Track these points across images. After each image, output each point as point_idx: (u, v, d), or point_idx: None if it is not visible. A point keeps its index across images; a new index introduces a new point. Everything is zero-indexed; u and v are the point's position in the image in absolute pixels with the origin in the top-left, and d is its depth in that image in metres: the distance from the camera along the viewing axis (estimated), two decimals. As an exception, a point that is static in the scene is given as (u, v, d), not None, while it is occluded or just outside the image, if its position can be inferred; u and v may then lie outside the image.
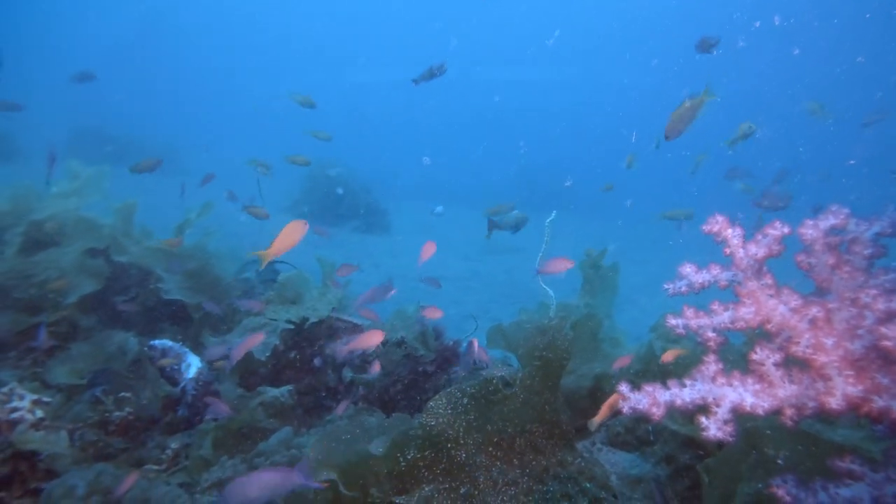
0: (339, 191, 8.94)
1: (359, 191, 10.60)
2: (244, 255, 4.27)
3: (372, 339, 2.24)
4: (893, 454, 0.96)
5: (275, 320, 3.04)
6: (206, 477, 2.09)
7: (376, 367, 2.53)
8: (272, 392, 2.59)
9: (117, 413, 2.16)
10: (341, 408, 2.56)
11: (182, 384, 2.70)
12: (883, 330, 0.93)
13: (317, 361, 2.90)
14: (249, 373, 2.88)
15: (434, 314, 2.45)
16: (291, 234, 1.89)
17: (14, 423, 1.63)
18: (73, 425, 2.03)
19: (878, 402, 0.92)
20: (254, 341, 2.42)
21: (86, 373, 2.34)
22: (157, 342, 2.75)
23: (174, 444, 2.29)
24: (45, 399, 1.78)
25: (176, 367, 2.76)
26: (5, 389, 1.71)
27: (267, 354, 2.84)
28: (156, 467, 2.17)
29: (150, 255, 3.12)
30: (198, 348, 2.95)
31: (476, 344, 2.19)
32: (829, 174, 8.43)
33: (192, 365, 2.79)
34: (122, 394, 2.21)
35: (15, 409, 1.66)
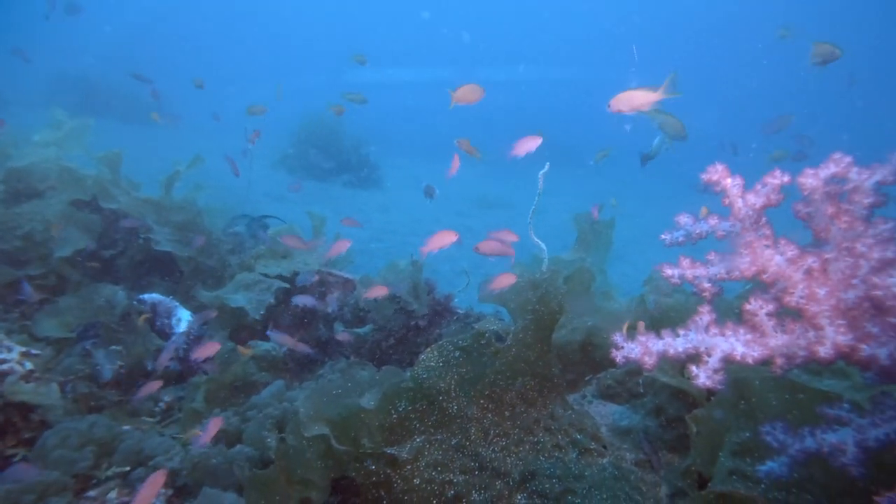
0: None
1: (349, 146, 10.43)
2: (234, 209, 4.22)
3: (446, 238, 2.13)
4: (880, 400, 0.97)
5: (266, 276, 3.02)
6: (199, 429, 2.11)
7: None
8: (264, 346, 2.59)
9: (108, 366, 2.15)
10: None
11: (173, 338, 2.69)
12: (875, 280, 0.92)
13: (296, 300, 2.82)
14: (241, 327, 2.87)
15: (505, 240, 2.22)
16: None
17: (3, 375, 1.63)
18: (65, 378, 2.02)
19: (867, 351, 0.92)
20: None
21: (75, 326, 2.32)
22: (146, 296, 2.73)
23: (167, 397, 2.30)
24: (35, 352, 1.77)
25: (167, 320, 2.76)
26: (-8, 341, 1.70)
27: (261, 313, 2.83)
28: (150, 419, 2.19)
29: (139, 206, 3.06)
30: (188, 302, 2.94)
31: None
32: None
33: (183, 319, 2.79)
34: (113, 347, 2.21)
35: (3, 361, 1.65)
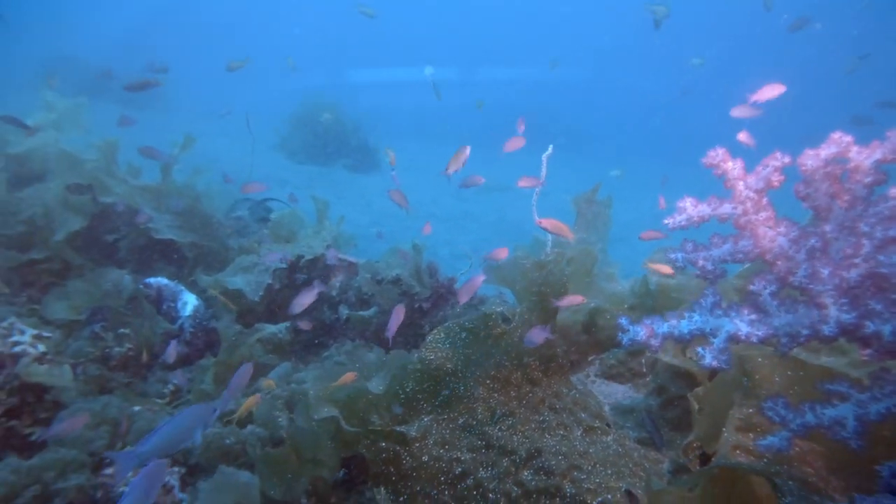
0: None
1: (349, 129, 10.37)
2: (235, 193, 4.21)
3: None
4: (881, 376, 0.99)
5: (269, 259, 3.04)
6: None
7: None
8: (270, 329, 2.62)
9: (117, 349, 2.18)
10: None
11: (179, 321, 2.72)
12: (880, 258, 0.94)
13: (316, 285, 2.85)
14: (246, 311, 2.90)
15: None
16: None
17: (16, 357, 1.65)
18: (76, 360, 2.05)
19: (871, 328, 0.94)
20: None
21: (83, 309, 2.34)
22: (151, 280, 2.75)
23: (175, 380, 2.33)
24: (46, 334, 1.79)
25: (172, 304, 2.78)
26: (5, 324, 1.72)
27: (260, 294, 2.86)
28: (160, 401, 2.22)
29: (137, 195, 3.06)
30: (194, 286, 2.96)
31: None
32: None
33: (189, 303, 2.81)
34: (121, 330, 2.23)
35: (16, 343, 1.67)
